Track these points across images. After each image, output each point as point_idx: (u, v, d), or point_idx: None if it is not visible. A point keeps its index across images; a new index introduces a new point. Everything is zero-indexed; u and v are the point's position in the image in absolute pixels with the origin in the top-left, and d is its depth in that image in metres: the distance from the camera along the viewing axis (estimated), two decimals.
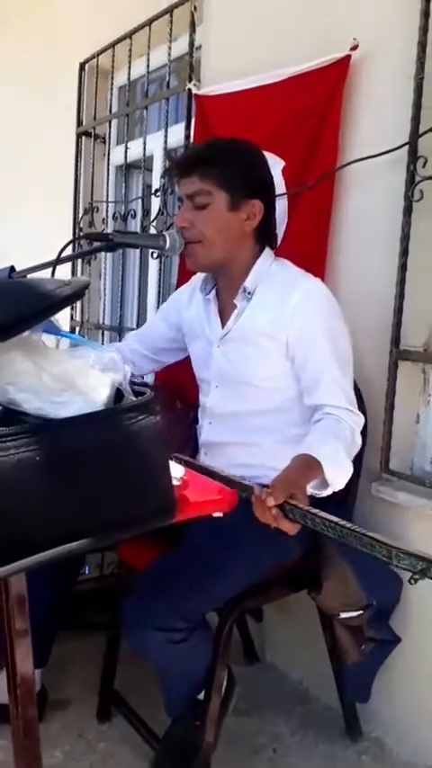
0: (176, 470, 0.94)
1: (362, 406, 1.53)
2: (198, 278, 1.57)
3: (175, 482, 0.85)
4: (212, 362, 1.48)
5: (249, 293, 1.41)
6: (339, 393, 1.33)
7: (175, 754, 1.39)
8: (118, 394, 0.80)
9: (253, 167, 1.39)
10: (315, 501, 1.44)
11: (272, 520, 1.08)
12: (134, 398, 0.79)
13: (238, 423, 1.46)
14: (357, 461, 1.54)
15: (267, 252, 1.44)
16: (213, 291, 1.50)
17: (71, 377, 0.77)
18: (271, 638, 1.95)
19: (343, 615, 1.42)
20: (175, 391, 1.80)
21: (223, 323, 1.47)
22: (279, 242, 1.76)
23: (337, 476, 1.23)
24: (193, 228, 1.36)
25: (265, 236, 1.44)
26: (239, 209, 1.36)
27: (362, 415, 1.35)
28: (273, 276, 1.41)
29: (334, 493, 1.50)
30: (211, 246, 1.37)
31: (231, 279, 1.44)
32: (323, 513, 1.00)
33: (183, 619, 1.23)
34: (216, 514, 0.98)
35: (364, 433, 1.52)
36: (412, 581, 0.82)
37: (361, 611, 1.41)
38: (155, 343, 1.68)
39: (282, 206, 1.77)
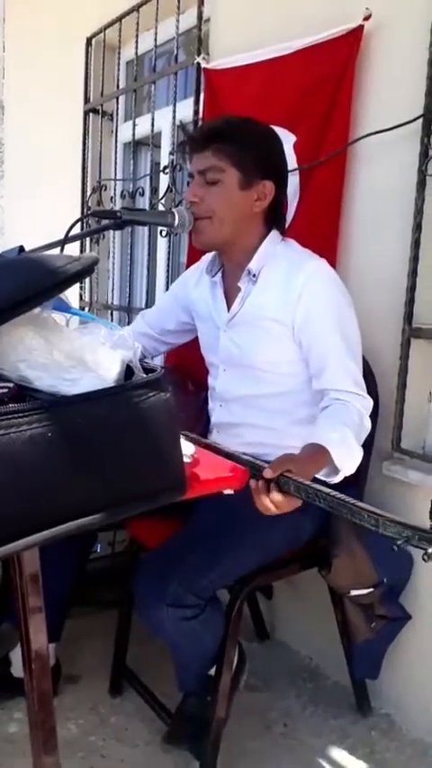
0: (187, 448, 0.94)
1: (373, 385, 1.52)
2: (206, 259, 1.55)
3: (186, 459, 0.85)
4: (219, 346, 1.47)
5: (254, 275, 1.39)
6: (347, 376, 1.31)
7: (187, 729, 1.42)
8: (128, 371, 0.79)
9: (267, 148, 1.38)
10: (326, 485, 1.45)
11: (270, 508, 1.07)
12: (144, 375, 0.78)
13: (248, 405, 1.46)
14: (368, 441, 1.53)
15: (274, 234, 1.42)
16: (219, 274, 1.49)
17: (82, 354, 0.76)
18: (281, 616, 1.96)
19: (353, 593, 1.42)
20: (186, 373, 1.79)
21: (229, 306, 1.45)
22: (290, 220, 1.74)
23: (347, 461, 1.22)
24: (203, 204, 1.34)
25: (273, 218, 1.42)
26: (250, 189, 1.35)
27: (370, 399, 1.34)
28: (278, 258, 1.39)
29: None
30: (220, 223, 1.35)
31: (237, 261, 1.42)
32: (315, 486, 1.00)
33: (195, 595, 1.23)
34: (227, 492, 0.98)
35: (375, 412, 1.51)
36: (425, 558, 0.82)
37: (372, 589, 1.41)
38: (163, 325, 1.67)
39: (293, 181, 1.74)
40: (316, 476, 1.16)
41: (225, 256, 1.47)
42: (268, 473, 1.05)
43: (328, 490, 0.97)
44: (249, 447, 1.41)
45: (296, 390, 1.41)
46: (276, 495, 1.05)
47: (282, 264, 1.37)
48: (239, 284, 1.41)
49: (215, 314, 1.48)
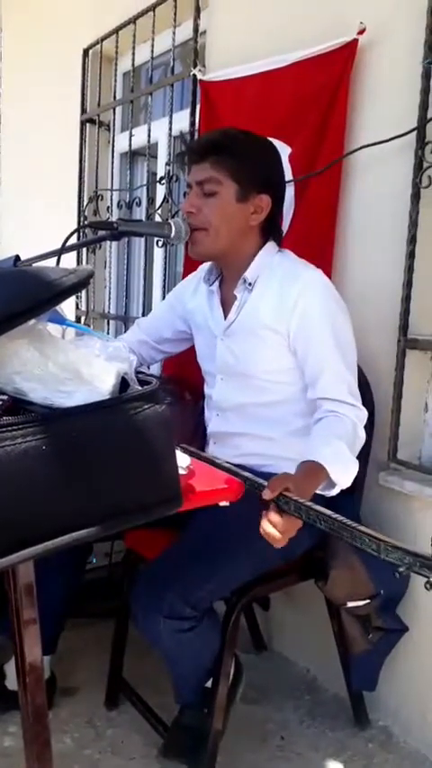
0: (183, 460, 0.94)
1: (369, 395, 1.53)
2: (203, 268, 1.56)
3: (181, 471, 0.85)
4: (217, 355, 1.47)
5: (250, 284, 1.40)
6: (342, 386, 1.31)
7: (184, 741, 1.41)
8: (123, 383, 0.79)
9: (265, 162, 1.38)
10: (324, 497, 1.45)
11: (271, 533, 1.05)
12: (140, 388, 0.78)
13: (245, 414, 1.46)
14: (365, 452, 1.53)
15: (271, 244, 1.42)
16: (217, 283, 1.50)
17: (77, 366, 0.76)
18: (278, 627, 1.95)
19: (350, 604, 1.42)
20: (183, 383, 1.79)
21: (226, 315, 1.46)
22: (286, 231, 1.75)
23: (343, 475, 1.21)
24: (200, 215, 1.35)
25: (270, 230, 1.43)
26: (247, 202, 1.35)
27: (365, 409, 1.33)
28: (274, 268, 1.39)
29: None
30: (215, 235, 1.36)
31: (234, 270, 1.43)
32: (316, 506, 0.99)
33: (191, 607, 1.23)
34: (222, 504, 0.98)
35: (371, 422, 1.52)
36: (428, 586, 0.81)
37: (368, 601, 1.41)
38: (160, 333, 1.67)
39: (289, 193, 1.75)
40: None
41: (223, 266, 1.47)
42: (267, 494, 1.05)
43: (328, 512, 0.96)
44: (246, 458, 1.42)
45: (293, 399, 1.41)
46: (274, 517, 1.04)
47: (277, 274, 1.38)
48: (235, 292, 1.41)
49: (212, 322, 1.49)
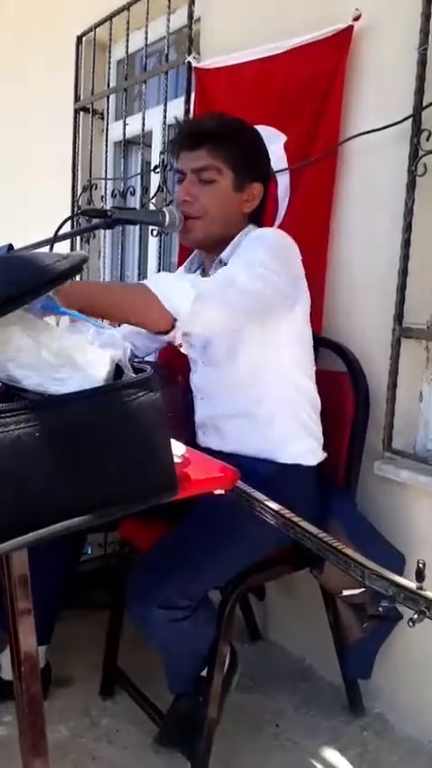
0: (178, 448, 0.94)
1: (364, 385, 1.53)
2: (189, 259, 1.56)
3: (176, 459, 0.84)
4: (197, 340, 1.47)
5: (225, 264, 1.38)
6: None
7: (179, 730, 1.41)
8: (118, 370, 0.79)
9: (259, 151, 1.40)
10: (313, 485, 1.45)
11: None
12: (134, 375, 0.78)
13: (227, 396, 1.44)
14: (359, 440, 1.54)
15: (249, 226, 1.42)
16: (199, 272, 1.49)
17: (70, 353, 0.76)
18: (273, 616, 1.96)
19: (345, 593, 1.42)
20: (176, 367, 1.78)
21: None
22: (281, 219, 1.74)
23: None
24: (196, 203, 1.34)
25: (255, 217, 1.44)
26: (242, 191, 1.36)
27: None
28: (243, 242, 1.38)
29: (336, 473, 1.50)
30: (210, 223, 1.35)
31: (215, 254, 1.42)
32: (304, 524, 0.96)
33: (186, 597, 1.23)
34: (217, 492, 0.98)
35: (366, 412, 1.52)
36: (410, 623, 0.79)
37: (363, 589, 1.41)
38: None
39: (284, 181, 1.74)
40: None
41: (208, 253, 1.46)
42: None
43: (316, 531, 0.93)
44: (232, 445, 1.43)
45: (270, 372, 1.39)
46: None
47: (243, 246, 1.36)
48: (210, 272, 1.41)
49: None
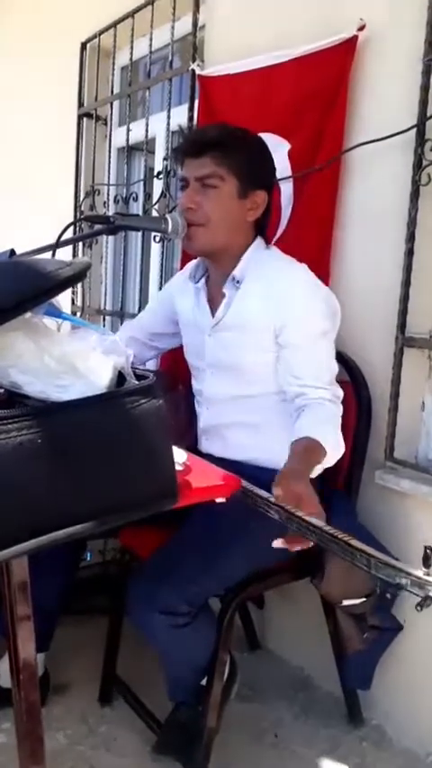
0: (179, 455, 0.93)
1: (366, 394, 1.53)
2: (189, 266, 1.56)
3: (177, 467, 0.84)
4: (206, 351, 1.48)
5: (238, 282, 1.40)
6: (324, 375, 1.34)
7: (178, 739, 1.40)
8: (120, 377, 0.78)
9: (263, 159, 1.40)
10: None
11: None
12: (136, 382, 0.78)
13: (234, 406, 1.46)
14: (361, 450, 1.53)
15: (259, 241, 1.44)
16: (203, 280, 1.50)
17: (73, 359, 0.75)
18: (272, 625, 1.95)
19: (346, 603, 1.41)
20: (177, 375, 1.79)
21: (213, 311, 1.46)
22: (283, 228, 1.74)
23: (333, 452, 1.26)
24: (200, 211, 1.35)
25: (261, 227, 1.44)
26: (246, 199, 1.36)
27: (339, 388, 1.36)
28: (263, 265, 1.40)
29: (336, 481, 1.50)
30: (214, 230, 1.36)
31: (222, 267, 1.43)
32: (306, 516, 0.95)
33: (187, 603, 1.22)
34: (218, 500, 0.98)
35: (368, 421, 1.53)
36: (418, 607, 0.79)
37: (364, 599, 1.40)
38: (151, 329, 1.68)
39: (287, 189, 1.74)
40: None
41: (212, 263, 1.47)
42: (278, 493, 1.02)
43: (320, 523, 0.93)
44: (233, 451, 1.44)
45: (276, 386, 1.41)
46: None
47: (265, 271, 1.39)
48: (224, 290, 1.42)
49: (200, 319, 1.49)
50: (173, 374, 1.82)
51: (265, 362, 1.40)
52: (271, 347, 1.38)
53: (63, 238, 1.20)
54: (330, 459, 1.25)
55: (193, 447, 1.57)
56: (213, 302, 1.47)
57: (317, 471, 1.23)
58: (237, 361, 1.42)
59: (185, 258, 2.02)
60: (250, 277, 1.39)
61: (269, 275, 1.38)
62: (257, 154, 1.39)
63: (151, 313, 1.71)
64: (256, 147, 1.39)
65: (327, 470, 1.45)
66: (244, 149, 1.35)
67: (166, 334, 1.67)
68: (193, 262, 1.54)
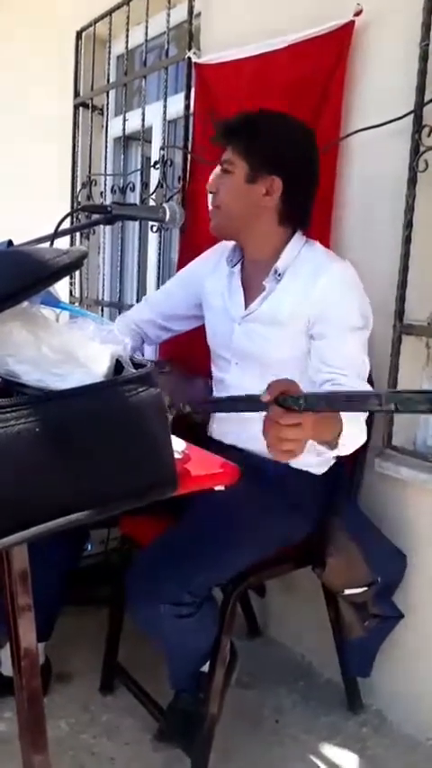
0: (178, 444, 0.94)
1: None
2: (225, 247, 1.54)
3: (176, 455, 0.84)
4: (234, 339, 1.46)
5: (280, 275, 1.39)
6: (351, 362, 1.30)
7: (179, 726, 1.41)
8: (118, 366, 0.78)
9: (279, 143, 1.37)
10: (320, 485, 1.44)
11: (277, 443, 0.93)
12: (134, 371, 0.77)
13: None
14: None
15: (298, 235, 1.43)
16: (239, 265, 1.49)
17: (71, 348, 0.75)
18: (274, 613, 1.96)
19: (347, 591, 1.42)
20: (184, 363, 1.77)
21: (246, 301, 1.45)
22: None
23: (352, 438, 1.17)
24: (218, 195, 1.41)
25: (291, 217, 1.41)
26: (257, 183, 1.36)
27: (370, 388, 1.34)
28: (302, 260, 1.39)
29: (341, 470, 1.50)
30: (227, 213, 1.40)
31: (257, 257, 1.43)
32: (312, 392, 0.92)
33: (190, 593, 1.22)
34: (218, 488, 0.98)
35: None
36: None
37: (366, 588, 1.41)
38: (170, 310, 1.65)
39: None
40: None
41: (243, 249, 1.48)
42: (266, 397, 0.92)
43: (324, 392, 0.89)
44: (249, 443, 1.42)
45: (299, 377, 1.39)
46: (277, 411, 0.91)
47: (306, 266, 1.38)
48: (264, 282, 1.41)
49: (230, 305, 1.47)
50: (180, 361, 1.80)
51: (293, 358, 1.38)
52: (301, 342, 1.37)
53: (60, 228, 1.20)
54: (346, 440, 1.14)
55: (203, 434, 1.56)
56: (248, 291, 1.46)
57: (328, 452, 1.18)
58: (264, 355, 1.41)
59: (184, 248, 2.02)
60: (291, 272, 1.39)
61: (310, 270, 1.36)
62: (272, 138, 1.36)
63: (174, 292, 1.66)
64: (274, 130, 1.37)
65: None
66: (255, 134, 1.36)
67: (183, 316, 1.64)
68: (228, 244, 1.52)
